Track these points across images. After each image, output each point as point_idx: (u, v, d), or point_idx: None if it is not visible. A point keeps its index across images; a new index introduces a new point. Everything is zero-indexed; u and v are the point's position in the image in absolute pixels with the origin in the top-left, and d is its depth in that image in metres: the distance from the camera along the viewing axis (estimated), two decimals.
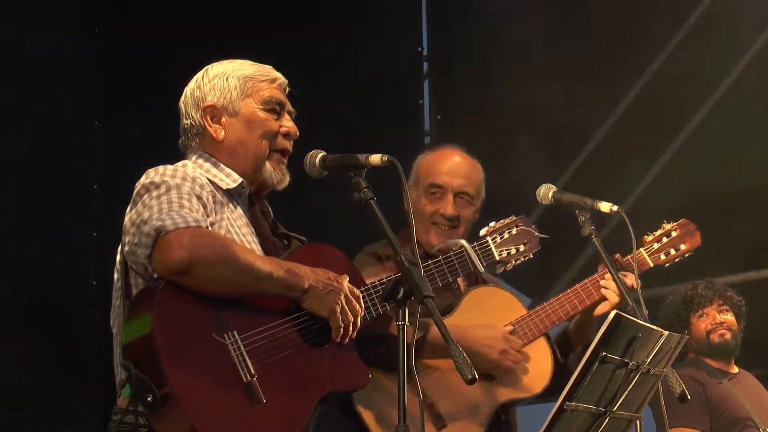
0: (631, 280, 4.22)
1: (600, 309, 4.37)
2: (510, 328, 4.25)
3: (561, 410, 3.50)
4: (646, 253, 4.35)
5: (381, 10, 8.03)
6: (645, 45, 7.95)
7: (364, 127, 7.37)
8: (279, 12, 7.59)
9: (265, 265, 3.22)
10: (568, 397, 3.50)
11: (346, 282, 3.32)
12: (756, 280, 6.78)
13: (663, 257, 4.37)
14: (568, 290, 4.37)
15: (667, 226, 4.41)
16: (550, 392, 4.29)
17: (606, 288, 4.31)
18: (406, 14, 8.41)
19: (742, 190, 7.64)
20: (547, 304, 4.36)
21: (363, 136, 7.16)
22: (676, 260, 4.39)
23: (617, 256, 4.39)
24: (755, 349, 5.86)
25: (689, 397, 3.94)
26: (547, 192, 4.26)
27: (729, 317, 5.80)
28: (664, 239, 4.38)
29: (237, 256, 3.17)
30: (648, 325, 3.66)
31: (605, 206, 4.17)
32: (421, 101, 8.43)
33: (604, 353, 3.51)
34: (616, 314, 3.53)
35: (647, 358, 3.61)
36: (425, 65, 8.64)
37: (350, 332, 3.31)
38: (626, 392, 3.59)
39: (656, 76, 7.91)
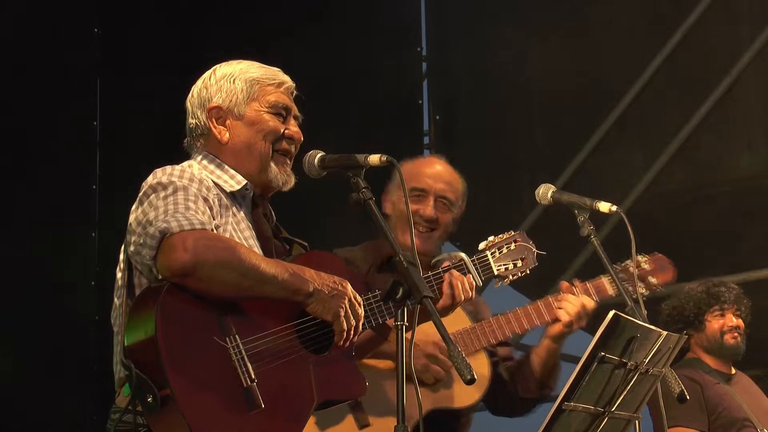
0: (588, 301, 4.25)
1: (552, 329, 4.38)
2: None
3: (560, 410, 3.51)
4: (608, 282, 4.34)
5: (380, 10, 8.04)
6: (645, 44, 7.96)
7: (363, 127, 7.37)
8: (278, 12, 7.60)
9: (270, 267, 3.22)
10: (566, 397, 3.51)
11: (349, 287, 3.32)
12: (755, 280, 6.78)
13: (629, 289, 4.29)
14: (518, 308, 4.38)
15: (641, 259, 4.38)
16: (489, 405, 4.30)
17: (560, 309, 4.32)
18: (406, 14, 8.41)
19: (742, 189, 7.65)
20: (494, 319, 4.37)
21: (362, 136, 7.17)
22: (642, 293, 4.32)
23: (576, 281, 4.41)
24: (753, 349, 5.87)
25: (688, 397, 3.94)
26: (546, 192, 4.26)
27: (740, 322, 5.82)
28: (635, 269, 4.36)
29: (241, 258, 3.17)
30: (647, 325, 3.66)
31: (604, 206, 4.17)
32: (420, 101, 8.44)
33: (603, 353, 3.51)
34: (615, 314, 3.53)
35: (646, 358, 3.61)
36: (424, 65, 8.64)
37: (352, 337, 3.31)
38: (625, 392, 3.59)
39: (656, 75, 7.91)
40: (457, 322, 4.34)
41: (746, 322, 5.85)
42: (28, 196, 6.62)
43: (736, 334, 5.77)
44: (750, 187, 7.61)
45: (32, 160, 6.69)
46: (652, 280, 4.36)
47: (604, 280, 4.39)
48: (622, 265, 4.41)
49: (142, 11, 7.20)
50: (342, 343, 3.29)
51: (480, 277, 3.88)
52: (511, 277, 3.97)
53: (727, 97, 7.63)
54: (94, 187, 7.01)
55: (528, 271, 4.01)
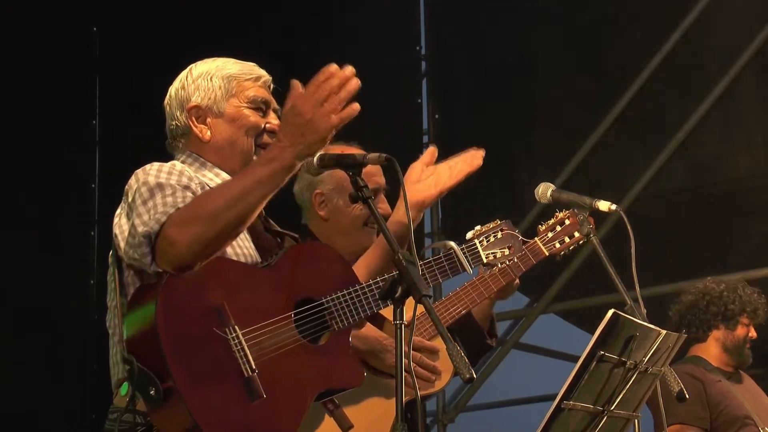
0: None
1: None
2: None
3: (559, 409, 3.50)
4: (541, 242, 4.31)
5: (379, 9, 8.04)
6: (645, 42, 7.96)
7: (362, 126, 7.36)
8: (278, 11, 7.60)
9: (241, 179, 3.17)
10: (565, 396, 3.51)
11: (304, 97, 3.17)
12: (754, 279, 6.78)
13: (558, 245, 4.26)
14: (466, 284, 4.37)
15: (560, 215, 4.34)
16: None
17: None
18: (405, 13, 8.42)
19: (741, 188, 7.65)
20: (446, 298, 4.36)
21: (361, 135, 7.16)
22: (571, 248, 4.28)
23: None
24: (753, 349, 5.87)
25: (687, 396, 3.94)
26: (545, 191, 4.26)
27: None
28: (558, 228, 4.30)
29: (211, 202, 3.13)
30: (646, 324, 3.66)
31: (604, 205, 4.17)
32: (419, 100, 8.43)
33: (602, 352, 3.51)
34: (614, 313, 3.53)
35: (645, 357, 3.61)
36: (423, 64, 8.64)
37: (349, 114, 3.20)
38: (624, 391, 3.60)
39: (655, 73, 7.91)
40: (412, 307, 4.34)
41: None
42: (28, 195, 6.62)
43: (750, 345, 5.80)
44: (749, 186, 7.61)
45: (31, 159, 6.69)
46: (576, 234, 4.32)
47: (538, 242, 4.34)
48: (547, 223, 4.36)
49: (141, 9, 7.20)
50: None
51: (470, 265, 3.87)
52: (499, 264, 3.96)
53: (726, 96, 7.63)
54: (93, 185, 7.02)
55: (516, 259, 4.00)
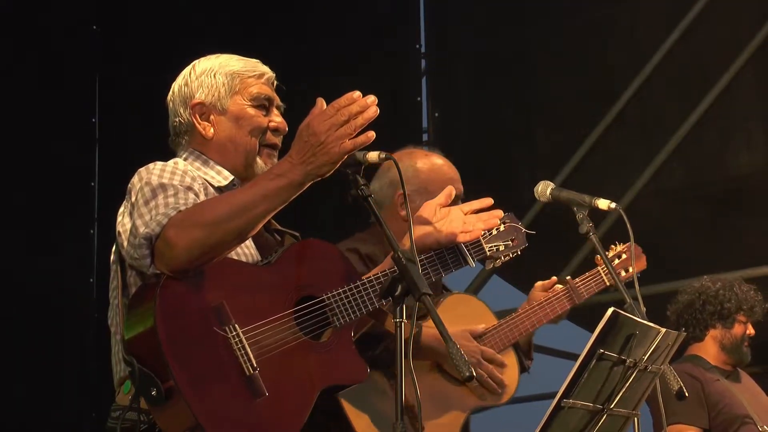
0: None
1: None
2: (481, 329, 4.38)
3: (558, 407, 3.51)
4: (603, 272, 4.48)
5: (380, 9, 8.05)
6: (645, 40, 7.97)
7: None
8: (277, 10, 7.60)
9: (248, 191, 3.14)
10: (565, 395, 3.51)
11: (321, 118, 3.15)
12: (754, 278, 6.78)
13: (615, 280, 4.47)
14: (535, 302, 4.54)
15: (617, 248, 4.52)
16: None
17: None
18: (405, 11, 8.42)
19: (740, 187, 7.66)
20: (516, 315, 4.49)
21: (360, 133, 7.17)
22: (625, 281, 4.48)
23: (568, 278, 4.59)
24: (753, 347, 5.88)
25: (687, 394, 3.95)
26: (545, 189, 4.27)
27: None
28: (616, 260, 4.50)
29: (217, 209, 3.12)
30: (645, 322, 3.66)
31: (603, 203, 4.17)
32: (419, 98, 8.44)
33: (602, 350, 3.51)
34: (614, 311, 3.53)
35: (644, 355, 3.61)
36: (423, 62, 8.64)
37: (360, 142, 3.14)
38: (623, 389, 3.60)
39: (655, 72, 7.92)
40: (483, 319, 4.46)
41: None
42: (27, 193, 6.62)
43: (748, 343, 5.81)
44: (749, 186, 7.61)
45: (31, 158, 6.69)
46: (631, 269, 4.44)
47: (601, 272, 4.48)
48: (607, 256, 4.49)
49: (141, 9, 7.20)
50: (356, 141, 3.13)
51: (473, 258, 3.87)
52: (502, 257, 3.96)
53: (726, 93, 7.64)
54: (93, 184, 7.02)
55: (519, 252, 4.01)
